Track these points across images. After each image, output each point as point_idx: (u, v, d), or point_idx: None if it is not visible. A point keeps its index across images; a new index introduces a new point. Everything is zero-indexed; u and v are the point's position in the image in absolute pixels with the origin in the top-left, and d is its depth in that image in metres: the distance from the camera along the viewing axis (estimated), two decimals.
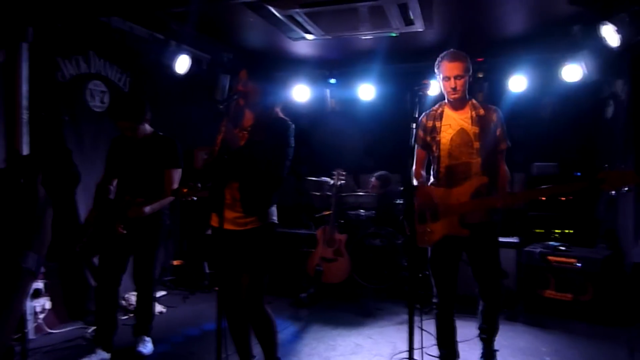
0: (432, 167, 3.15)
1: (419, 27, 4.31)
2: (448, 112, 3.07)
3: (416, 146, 3.19)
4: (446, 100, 3.08)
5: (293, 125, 2.87)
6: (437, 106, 3.13)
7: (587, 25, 4.32)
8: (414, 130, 3.14)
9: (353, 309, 4.82)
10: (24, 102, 3.87)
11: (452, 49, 3.00)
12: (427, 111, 3.09)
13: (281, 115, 2.92)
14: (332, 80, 6.13)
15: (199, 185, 3.19)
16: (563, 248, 4.63)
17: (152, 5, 3.67)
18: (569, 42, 4.81)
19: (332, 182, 5.23)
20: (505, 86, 5.43)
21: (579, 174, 5.42)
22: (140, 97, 3.74)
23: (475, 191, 2.92)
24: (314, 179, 5.68)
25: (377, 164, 6.17)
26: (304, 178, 6.26)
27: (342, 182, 5.21)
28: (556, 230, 5.31)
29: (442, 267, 3.08)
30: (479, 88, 5.47)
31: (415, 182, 3.15)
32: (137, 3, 3.63)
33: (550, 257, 4.57)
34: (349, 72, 6.05)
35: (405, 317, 2.48)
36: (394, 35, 4.74)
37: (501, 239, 4.95)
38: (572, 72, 4.90)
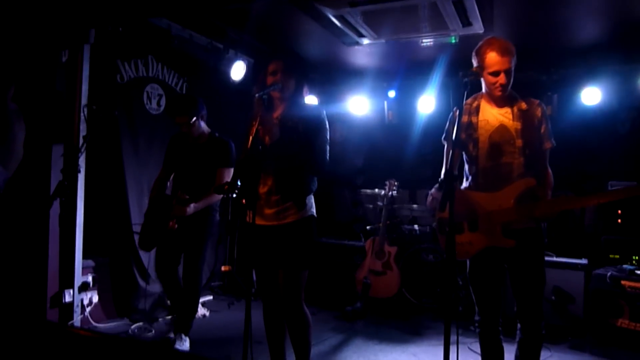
0: (467, 168, 2.81)
1: (477, 28, 4.08)
2: (485, 106, 2.73)
3: (446, 144, 2.91)
4: (484, 92, 2.75)
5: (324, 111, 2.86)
6: (471, 99, 2.77)
7: None
8: (446, 126, 2.92)
9: (400, 326, 4.55)
10: (84, 101, 4.04)
11: (496, 37, 2.65)
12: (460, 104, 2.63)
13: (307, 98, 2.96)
14: (392, 94, 5.94)
15: (239, 182, 3.17)
16: None
17: (199, 5, 3.76)
18: None
19: (383, 192, 5.05)
20: (577, 99, 5.02)
21: None
22: (195, 95, 3.93)
23: (521, 195, 2.56)
24: (367, 191, 5.51)
25: (434, 179, 5.88)
26: (358, 190, 6.10)
27: (394, 192, 5.02)
28: (635, 257, 4.77)
29: (483, 282, 2.73)
30: (548, 101, 5.11)
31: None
32: (184, 3, 3.74)
33: (624, 282, 4.08)
34: (408, 84, 5.83)
35: (457, 337, 2.24)
36: (454, 41, 4.55)
37: (568, 260, 4.64)
38: None
